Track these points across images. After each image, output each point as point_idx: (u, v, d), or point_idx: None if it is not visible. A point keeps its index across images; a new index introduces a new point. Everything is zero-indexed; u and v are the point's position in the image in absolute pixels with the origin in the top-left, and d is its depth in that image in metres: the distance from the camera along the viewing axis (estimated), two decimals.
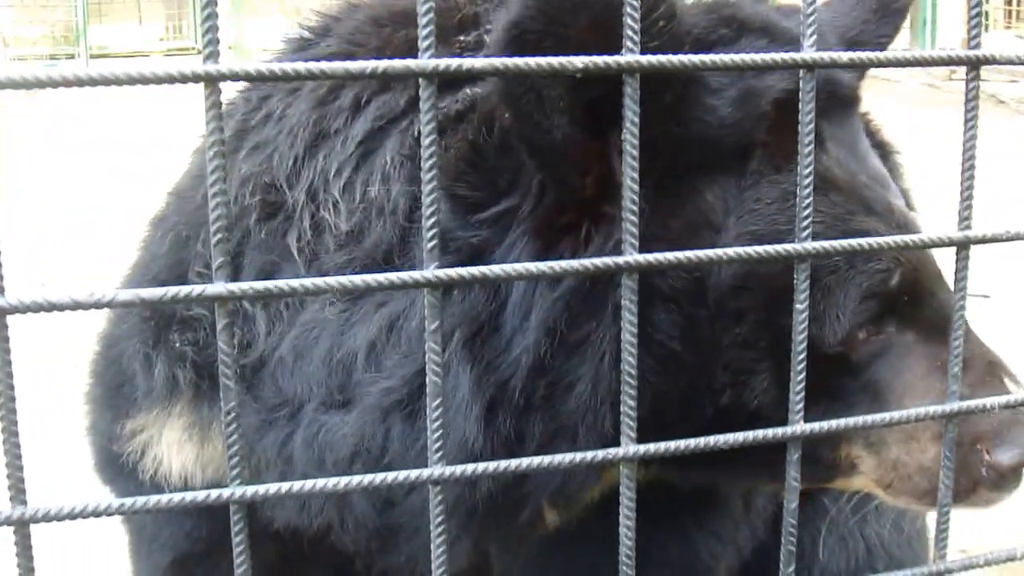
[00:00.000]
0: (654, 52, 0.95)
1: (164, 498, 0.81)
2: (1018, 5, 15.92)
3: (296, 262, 1.61)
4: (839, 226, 1.51)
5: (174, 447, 1.79)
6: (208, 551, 1.93)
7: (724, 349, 1.51)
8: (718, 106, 1.48)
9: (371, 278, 0.86)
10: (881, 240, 1.16)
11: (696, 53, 0.99)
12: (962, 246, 1.14)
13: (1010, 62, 1.18)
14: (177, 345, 1.74)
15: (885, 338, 1.55)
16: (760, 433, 1.10)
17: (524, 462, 0.95)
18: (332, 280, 0.84)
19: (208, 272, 1.69)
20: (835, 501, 2.27)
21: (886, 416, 1.22)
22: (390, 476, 0.90)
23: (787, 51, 1.06)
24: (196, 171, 1.88)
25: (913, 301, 1.55)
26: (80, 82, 0.73)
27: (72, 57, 14.70)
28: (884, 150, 1.80)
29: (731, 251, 1.04)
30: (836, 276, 1.49)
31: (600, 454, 1.00)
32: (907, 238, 1.21)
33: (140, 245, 1.93)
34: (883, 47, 1.78)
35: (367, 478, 0.89)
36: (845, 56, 1.04)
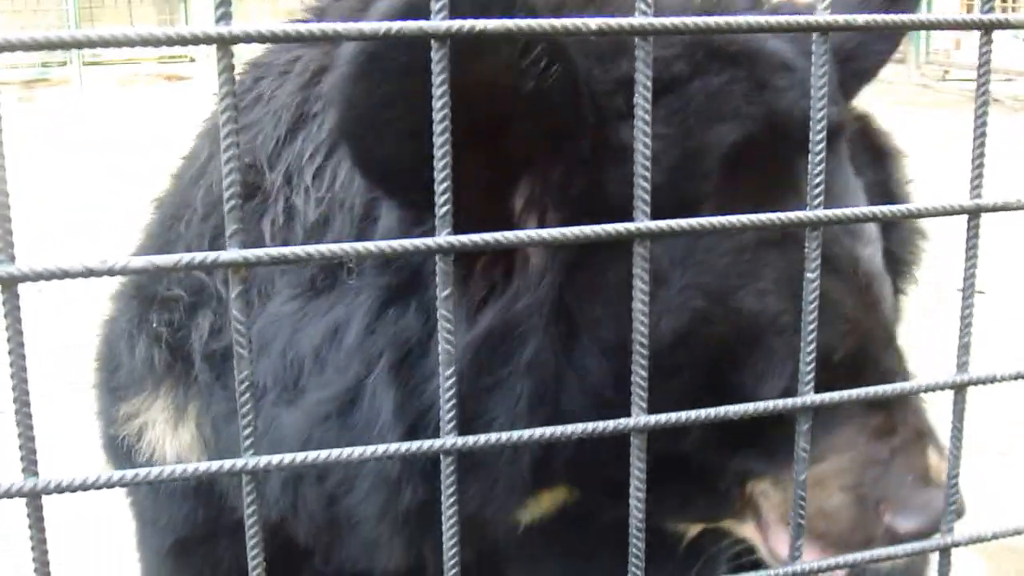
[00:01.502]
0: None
1: (178, 468, 0.82)
2: (1015, 1, 15.97)
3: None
4: (791, 284, 1.47)
5: (167, 433, 1.81)
6: (207, 534, 1.94)
7: (660, 402, 1.47)
8: (654, 174, 1.44)
9: (384, 244, 0.87)
10: (886, 209, 1.18)
11: None
12: (973, 214, 1.16)
13: (1022, 26, 1.19)
14: (155, 325, 1.76)
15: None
16: (771, 403, 1.12)
17: (538, 432, 0.97)
18: (346, 246, 0.85)
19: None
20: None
21: (896, 387, 1.24)
22: (403, 446, 0.91)
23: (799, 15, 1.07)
24: (193, 152, 1.89)
25: (855, 373, 1.52)
26: (92, 43, 0.73)
27: (64, 64, 14.58)
28: (886, 155, 1.81)
29: (739, 218, 1.05)
30: (781, 339, 1.48)
31: (611, 424, 1.01)
32: (914, 207, 1.23)
33: (142, 228, 1.94)
34: (881, 63, 1.74)
35: (380, 448, 0.90)
36: (860, 19, 1.05)
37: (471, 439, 0.94)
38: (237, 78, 1.80)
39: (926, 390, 1.27)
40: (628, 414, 1.45)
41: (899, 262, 1.79)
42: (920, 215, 1.23)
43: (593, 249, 1.43)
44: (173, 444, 1.81)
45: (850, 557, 1.27)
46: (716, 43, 1.53)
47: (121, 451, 1.90)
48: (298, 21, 1.73)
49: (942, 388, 1.24)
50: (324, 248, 0.83)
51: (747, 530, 1.66)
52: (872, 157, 1.75)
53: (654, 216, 1.42)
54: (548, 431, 0.98)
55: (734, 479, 1.60)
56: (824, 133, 1.07)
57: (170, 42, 0.76)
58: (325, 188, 1.60)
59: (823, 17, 1.03)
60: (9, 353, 0.77)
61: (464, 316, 1.45)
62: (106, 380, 1.98)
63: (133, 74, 14.87)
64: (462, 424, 1.44)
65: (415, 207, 1.41)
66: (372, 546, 1.64)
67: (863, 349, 1.54)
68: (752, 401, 1.42)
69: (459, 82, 0.92)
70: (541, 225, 1.44)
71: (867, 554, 1.27)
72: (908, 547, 1.35)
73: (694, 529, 1.79)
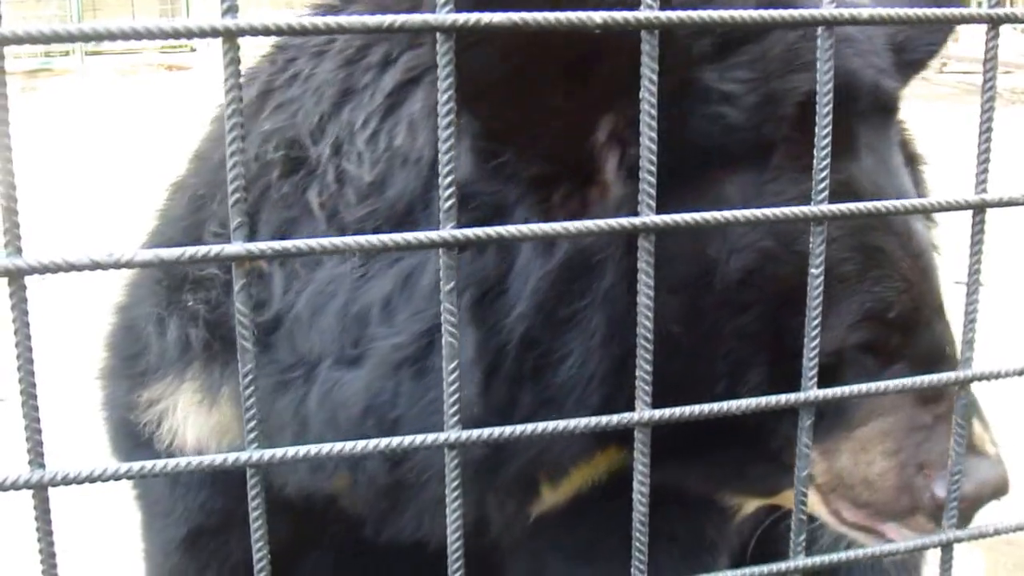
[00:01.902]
0: None
1: (182, 461, 0.83)
2: None
3: (315, 219, 1.62)
4: (855, 236, 1.52)
5: (189, 417, 1.80)
6: (221, 525, 1.94)
7: (724, 338, 1.52)
8: (732, 114, 1.48)
9: (387, 238, 0.88)
10: (897, 203, 1.18)
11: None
12: (979, 209, 1.16)
13: None
14: (190, 304, 1.76)
15: (872, 362, 1.57)
16: (773, 398, 1.12)
17: (541, 426, 0.97)
18: (349, 240, 0.85)
19: (224, 231, 1.70)
20: None
21: (900, 382, 1.24)
22: (406, 440, 0.91)
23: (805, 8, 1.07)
24: (215, 135, 1.90)
25: (908, 333, 1.56)
26: (99, 36, 0.74)
27: (67, 54, 14.57)
28: (913, 162, 1.81)
29: (747, 213, 1.06)
30: (843, 286, 1.51)
31: (615, 418, 1.02)
32: (921, 202, 1.23)
33: (157, 212, 1.94)
34: (931, 55, 1.77)
35: (383, 441, 0.90)
36: (865, 13, 1.05)
37: (474, 433, 0.94)
38: (265, 59, 1.84)
39: (932, 384, 1.27)
40: (694, 350, 1.50)
41: None
42: (927, 210, 1.24)
43: (674, 185, 1.43)
44: (194, 429, 1.81)
45: (867, 551, 1.28)
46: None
47: (141, 439, 1.90)
48: (318, 12, 1.74)
49: (946, 384, 1.24)
50: (326, 241, 0.84)
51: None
52: (906, 162, 1.76)
53: (733, 148, 1.49)
54: (551, 425, 0.98)
55: (786, 444, 1.59)
56: (829, 128, 1.07)
57: (177, 35, 0.76)
58: (382, 149, 1.61)
59: (828, 11, 1.03)
60: (16, 345, 0.77)
61: (542, 247, 1.48)
62: (123, 367, 1.97)
63: (135, 64, 14.87)
64: (537, 359, 1.49)
65: (494, 138, 1.44)
66: (434, 507, 1.64)
67: (917, 310, 1.57)
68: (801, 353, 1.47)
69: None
70: (622, 160, 1.48)
71: (876, 549, 1.27)
72: (912, 543, 1.35)
73: (751, 505, 1.79)
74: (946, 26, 1.77)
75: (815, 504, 1.66)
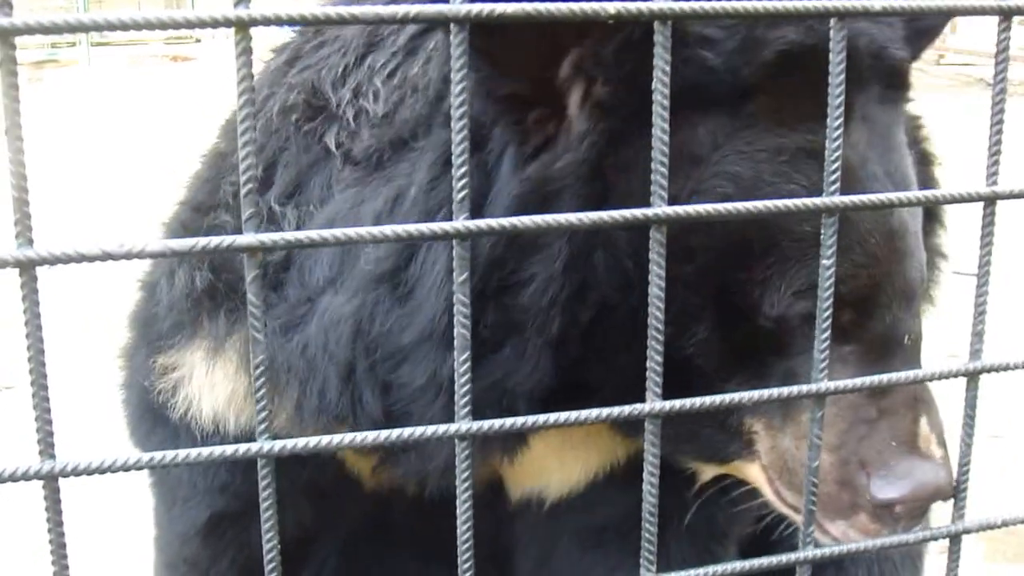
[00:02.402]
0: None
1: (192, 452, 0.82)
2: None
3: (332, 159, 1.64)
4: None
5: (204, 385, 1.79)
6: (241, 510, 1.93)
7: (672, 284, 1.48)
8: (710, 57, 1.46)
9: (401, 229, 0.87)
10: (903, 195, 1.17)
11: None
12: (989, 201, 1.15)
13: None
14: None
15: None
16: (786, 389, 1.11)
17: (553, 417, 0.96)
18: (363, 230, 0.84)
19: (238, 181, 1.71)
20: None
21: (910, 374, 1.24)
22: (417, 431, 0.91)
23: None
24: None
25: (863, 313, 1.52)
26: (111, 26, 0.73)
27: (73, 45, 14.54)
28: (925, 160, 1.77)
29: (759, 204, 1.05)
30: (798, 247, 1.47)
31: (626, 409, 1.01)
32: (935, 193, 1.22)
33: (189, 177, 1.96)
34: (942, 23, 1.73)
35: (394, 432, 0.90)
36: (878, 4, 1.04)
37: (485, 424, 0.93)
38: (296, 31, 1.85)
39: (939, 377, 1.26)
40: (644, 289, 1.48)
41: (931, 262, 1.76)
42: (937, 202, 1.23)
43: (638, 125, 1.40)
44: (209, 399, 1.80)
45: (862, 544, 1.27)
46: None
47: (155, 406, 1.89)
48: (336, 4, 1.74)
49: (955, 375, 1.23)
50: (339, 232, 0.83)
51: (753, 472, 1.65)
52: (917, 160, 1.71)
53: (707, 91, 1.46)
54: (563, 416, 0.98)
55: (733, 410, 1.58)
56: (841, 120, 1.06)
57: (189, 25, 0.75)
58: (396, 83, 1.63)
59: (840, 3, 1.02)
60: (27, 336, 0.77)
61: (515, 166, 1.49)
62: (141, 336, 1.97)
63: (140, 55, 14.85)
64: (502, 279, 1.48)
65: (475, 55, 1.44)
66: (423, 442, 1.63)
67: (877, 290, 1.52)
68: (752, 313, 1.47)
69: None
70: (587, 94, 1.47)
71: (879, 541, 1.27)
72: (920, 534, 1.35)
73: (707, 472, 1.77)
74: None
75: (760, 481, 1.64)
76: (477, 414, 1.59)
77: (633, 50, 1.42)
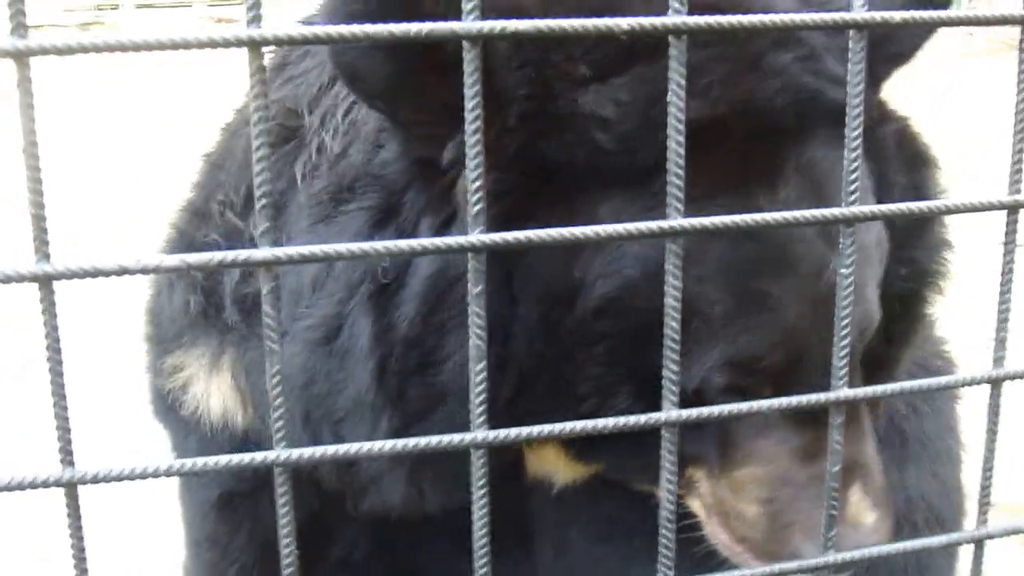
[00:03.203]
0: None
1: (211, 460, 0.82)
2: None
3: (298, 190, 1.64)
4: (734, 278, 1.41)
5: (212, 385, 1.82)
6: (251, 490, 1.96)
7: (582, 363, 1.47)
8: (604, 139, 1.40)
9: (416, 242, 0.87)
10: (923, 204, 1.16)
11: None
12: (1012, 210, 1.13)
13: None
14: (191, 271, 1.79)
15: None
16: (804, 398, 1.10)
17: (569, 426, 0.96)
18: (379, 244, 0.84)
19: (226, 199, 1.76)
20: (879, 452, 2.27)
21: (933, 381, 1.22)
22: (434, 440, 0.91)
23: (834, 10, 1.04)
24: (243, 104, 1.93)
25: (782, 386, 1.45)
26: (123, 47, 0.73)
27: (116, 8, 14.65)
28: (922, 163, 1.70)
29: (776, 216, 1.04)
30: (708, 328, 1.42)
31: (643, 418, 1.00)
32: (952, 202, 1.20)
33: (191, 184, 1.98)
34: (915, 48, 1.59)
35: (411, 442, 0.90)
36: (898, 16, 1.03)
37: (501, 433, 0.93)
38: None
39: (963, 384, 1.24)
40: (558, 368, 1.44)
41: (924, 272, 1.71)
42: (958, 211, 1.20)
43: (535, 205, 1.41)
44: (216, 398, 1.83)
45: (875, 550, 1.25)
46: (712, 6, 1.41)
47: (167, 403, 1.93)
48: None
49: (979, 383, 1.21)
50: (355, 247, 0.83)
51: (696, 506, 1.63)
52: (906, 162, 1.66)
53: (604, 181, 1.40)
54: (578, 425, 0.97)
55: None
56: (860, 130, 1.04)
57: (200, 45, 0.75)
58: (350, 120, 1.62)
59: (860, 15, 1.01)
60: (47, 348, 0.77)
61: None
62: (153, 333, 2.01)
63: (184, 17, 14.86)
64: (421, 357, 1.46)
65: (407, 128, 1.43)
66: (379, 480, 1.65)
67: (797, 364, 1.46)
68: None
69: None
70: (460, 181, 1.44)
71: (906, 545, 1.25)
72: (941, 539, 1.33)
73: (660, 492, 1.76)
74: (895, 61, 1.61)
75: (702, 515, 1.63)
76: (416, 472, 1.60)
77: (512, 135, 1.40)
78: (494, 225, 1.38)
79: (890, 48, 1.56)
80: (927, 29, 1.59)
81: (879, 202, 1.56)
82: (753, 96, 1.43)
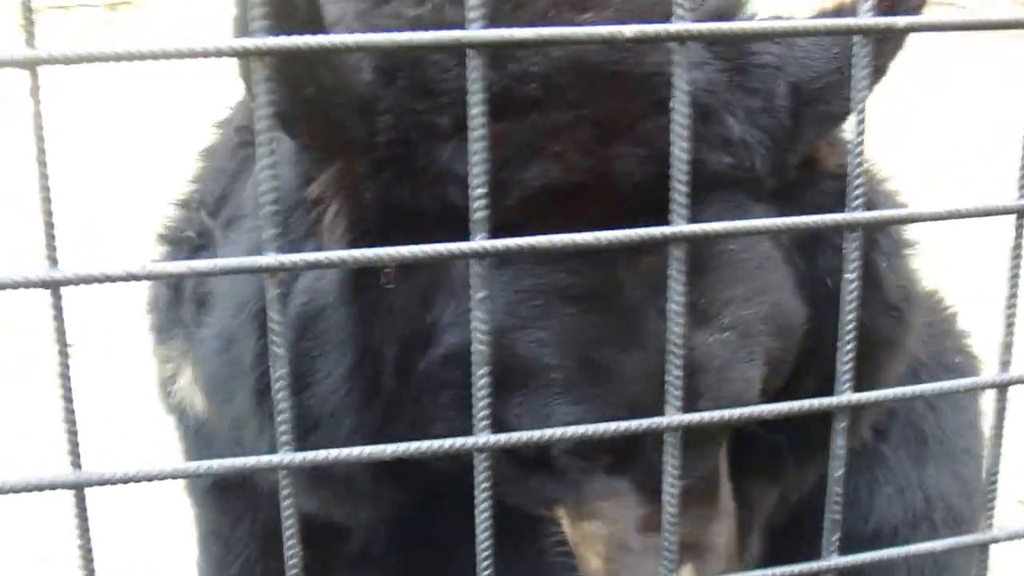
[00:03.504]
0: None
1: (215, 463, 0.83)
2: None
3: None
4: (577, 346, 1.38)
5: (185, 377, 1.86)
6: (244, 477, 1.97)
7: (436, 409, 1.47)
8: (456, 194, 1.37)
9: (418, 249, 0.87)
10: (926, 211, 1.15)
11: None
12: (1021, 214, 1.13)
13: None
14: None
15: (584, 466, 1.49)
16: (808, 403, 1.10)
17: (571, 430, 0.96)
18: (381, 251, 0.85)
19: (203, 199, 1.84)
20: (895, 450, 2.26)
21: (942, 385, 1.22)
22: (435, 444, 0.91)
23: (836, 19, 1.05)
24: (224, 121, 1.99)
25: (624, 460, 1.46)
26: (131, 57, 0.74)
27: None
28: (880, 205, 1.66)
29: (778, 221, 1.04)
30: (545, 391, 1.40)
31: (645, 423, 1.01)
32: (958, 207, 1.20)
33: (203, 152, 2.02)
34: (847, 112, 1.47)
35: (412, 445, 0.90)
36: (902, 21, 1.03)
37: (502, 437, 0.94)
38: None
39: (969, 389, 1.24)
40: (410, 409, 1.44)
41: (873, 337, 1.60)
42: (965, 215, 1.20)
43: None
44: (191, 390, 1.87)
45: (902, 551, 1.25)
46: (590, 63, 1.39)
47: (165, 390, 1.99)
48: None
49: (985, 387, 1.22)
50: (358, 253, 0.83)
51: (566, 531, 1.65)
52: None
53: (453, 234, 1.17)
54: (580, 429, 0.98)
55: (544, 498, 1.59)
56: (863, 136, 1.04)
57: (206, 54, 0.76)
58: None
59: (865, 21, 1.01)
60: (56, 352, 0.78)
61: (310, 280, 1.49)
62: (151, 323, 2.05)
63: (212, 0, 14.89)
64: (296, 379, 1.41)
65: (300, 152, 1.43)
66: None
67: (639, 437, 1.41)
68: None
69: None
70: (338, 213, 1.44)
71: (911, 548, 1.25)
72: (947, 542, 1.33)
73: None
74: (880, 66, 1.44)
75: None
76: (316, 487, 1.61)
77: (370, 180, 1.39)
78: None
79: (823, 108, 1.48)
80: (868, 82, 1.53)
81: (808, 280, 1.52)
82: (615, 164, 1.38)
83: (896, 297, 1.66)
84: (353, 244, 1.41)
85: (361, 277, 1.43)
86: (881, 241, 1.59)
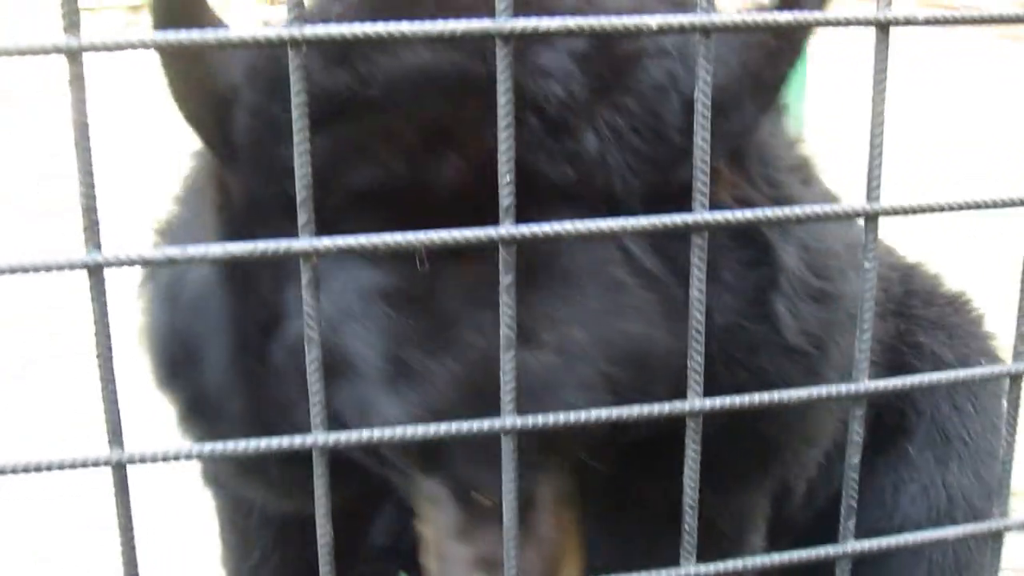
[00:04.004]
0: None
1: (252, 442, 0.84)
2: None
3: None
4: (387, 348, 1.36)
5: None
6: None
7: (291, 395, 1.44)
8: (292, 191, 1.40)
9: (446, 234, 0.88)
10: (954, 200, 1.16)
11: None
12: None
13: None
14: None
15: (410, 469, 1.50)
16: (826, 389, 1.11)
17: (595, 412, 0.97)
18: (410, 236, 0.86)
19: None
20: (920, 450, 2.26)
21: (950, 374, 1.23)
22: (465, 425, 0.92)
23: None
24: None
25: (429, 464, 1.45)
26: (168, 45, 0.75)
27: None
28: (757, 262, 1.54)
29: (806, 209, 1.05)
30: (361, 384, 1.39)
31: (667, 407, 1.02)
32: (975, 199, 1.21)
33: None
34: (749, 128, 1.45)
35: (443, 426, 0.91)
36: (922, 15, 1.03)
37: (530, 419, 0.95)
38: None
39: (983, 377, 1.25)
40: (277, 394, 1.43)
41: (768, 379, 1.54)
42: (984, 206, 1.21)
43: (252, 234, 1.34)
44: None
45: (917, 536, 1.25)
46: (439, 69, 1.35)
47: None
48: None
49: (999, 376, 1.22)
50: (389, 237, 0.85)
51: None
52: (744, 260, 1.51)
53: (292, 229, 1.33)
54: (603, 412, 0.99)
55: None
56: (882, 136, 1.05)
57: (244, 44, 0.77)
58: None
59: (884, 14, 1.02)
60: (96, 335, 0.80)
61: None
62: None
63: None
64: (188, 358, 1.50)
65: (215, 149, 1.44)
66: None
67: (441, 444, 1.39)
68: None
69: None
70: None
71: (926, 535, 1.26)
72: (962, 528, 1.33)
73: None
74: (775, 82, 1.42)
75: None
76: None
77: (239, 177, 1.42)
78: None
79: (723, 122, 1.37)
80: (768, 99, 1.45)
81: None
82: (439, 170, 1.35)
83: (800, 342, 1.55)
84: (226, 236, 1.42)
85: (237, 264, 1.43)
86: (781, 282, 1.52)
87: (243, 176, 1.41)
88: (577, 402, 1.34)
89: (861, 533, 1.74)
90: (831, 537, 1.63)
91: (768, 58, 1.38)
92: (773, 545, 2.02)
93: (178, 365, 1.55)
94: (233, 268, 1.44)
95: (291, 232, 1.19)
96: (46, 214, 5.68)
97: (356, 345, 1.36)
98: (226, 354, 1.48)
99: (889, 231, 2.29)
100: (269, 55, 1.36)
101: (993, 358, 2.37)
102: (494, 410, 1.26)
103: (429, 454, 1.41)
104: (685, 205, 1.10)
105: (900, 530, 2.24)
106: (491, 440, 1.15)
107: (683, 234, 1.01)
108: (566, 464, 1.49)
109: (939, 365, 2.25)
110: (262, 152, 1.38)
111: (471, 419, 1.14)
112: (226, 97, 1.37)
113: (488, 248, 1.02)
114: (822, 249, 1.59)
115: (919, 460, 2.26)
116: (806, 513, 2.26)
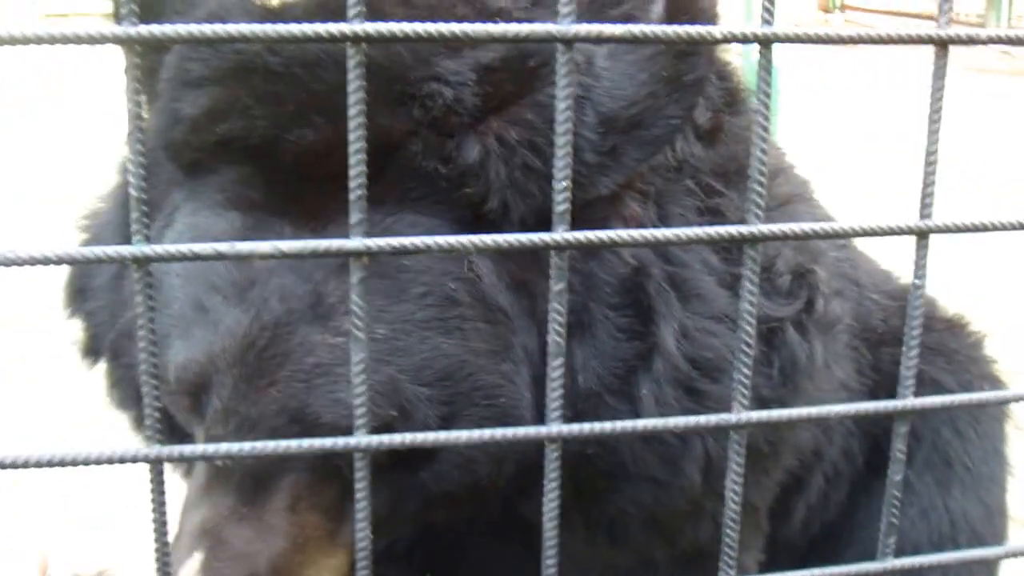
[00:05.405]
0: None
1: (294, 443, 0.80)
2: None
3: None
4: (187, 291, 1.37)
5: None
6: None
7: None
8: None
9: (500, 238, 0.84)
10: (981, 220, 1.11)
11: None
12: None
13: None
14: None
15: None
16: (871, 405, 1.06)
17: (642, 423, 0.93)
18: (464, 239, 0.82)
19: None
20: (919, 475, 2.21)
21: (938, 400, 1.17)
22: (509, 432, 0.88)
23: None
24: None
25: (196, 404, 1.40)
26: (217, 38, 0.71)
27: None
28: (642, 304, 1.49)
29: (841, 225, 1.00)
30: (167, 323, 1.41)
31: (714, 419, 0.97)
32: (993, 220, 1.15)
33: None
34: (673, 131, 1.39)
35: (486, 433, 0.87)
36: (984, 34, 0.98)
37: (575, 427, 0.90)
38: None
39: (1000, 402, 1.19)
40: None
41: (658, 409, 1.49)
42: (1002, 228, 1.15)
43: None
44: None
45: (956, 555, 1.20)
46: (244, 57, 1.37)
47: None
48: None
49: (1009, 402, 1.17)
50: (442, 240, 0.80)
51: None
52: (627, 304, 1.46)
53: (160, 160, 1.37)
54: (640, 423, 0.94)
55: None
56: (937, 145, 1.00)
57: (305, 38, 0.73)
58: None
59: (944, 31, 0.96)
60: (140, 328, 0.76)
61: None
62: None
63: None
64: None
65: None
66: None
67: (204, 388, 1.36)
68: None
69: None
70: None
71: (967, 554, 1.21)
72: (1001, 550, 1.28)
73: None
74: (689, 95, 1.37)
75: None
76: None
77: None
78: None
79: (641, 133, 1.37)
80: (684, 111, 1.40)
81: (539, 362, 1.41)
82: (298, 133, 1.34)
83: (690, 375, 1.48)
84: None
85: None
86: (654, 363, 1.45)
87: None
88: (348, 396, 1.30)
89: (859, 553, 1.69)
90: (823, 561, 1.58)
91: (681, 60, 1.34)
92: (772, 563, 1.98)
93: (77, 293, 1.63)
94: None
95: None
96: (47, 201, 5.70)
97: (174, 281, 1.37)
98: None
99: (870, 247, 2.22)
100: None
101: (995, 382, 2.30)
102: (256, 375, 1.29)
103: (196, 398, 1.37)
104: (594, 224, 1.06)
105: (899, 552, 2.19)
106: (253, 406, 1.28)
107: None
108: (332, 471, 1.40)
109: (939, 391, 2.18)
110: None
111: (236, 377, 1.31)
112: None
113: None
114: (704, 342, 1.50)
115: (918, 484, 2.20)
116: (804, 536, 2.22)
